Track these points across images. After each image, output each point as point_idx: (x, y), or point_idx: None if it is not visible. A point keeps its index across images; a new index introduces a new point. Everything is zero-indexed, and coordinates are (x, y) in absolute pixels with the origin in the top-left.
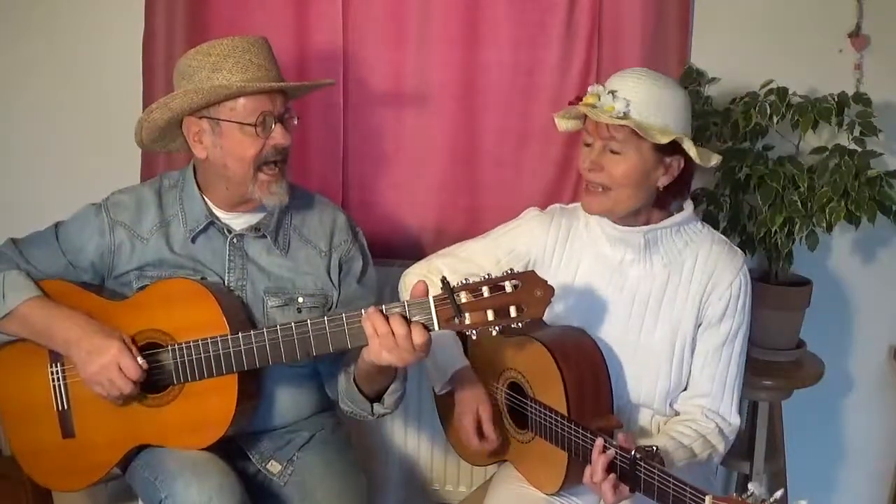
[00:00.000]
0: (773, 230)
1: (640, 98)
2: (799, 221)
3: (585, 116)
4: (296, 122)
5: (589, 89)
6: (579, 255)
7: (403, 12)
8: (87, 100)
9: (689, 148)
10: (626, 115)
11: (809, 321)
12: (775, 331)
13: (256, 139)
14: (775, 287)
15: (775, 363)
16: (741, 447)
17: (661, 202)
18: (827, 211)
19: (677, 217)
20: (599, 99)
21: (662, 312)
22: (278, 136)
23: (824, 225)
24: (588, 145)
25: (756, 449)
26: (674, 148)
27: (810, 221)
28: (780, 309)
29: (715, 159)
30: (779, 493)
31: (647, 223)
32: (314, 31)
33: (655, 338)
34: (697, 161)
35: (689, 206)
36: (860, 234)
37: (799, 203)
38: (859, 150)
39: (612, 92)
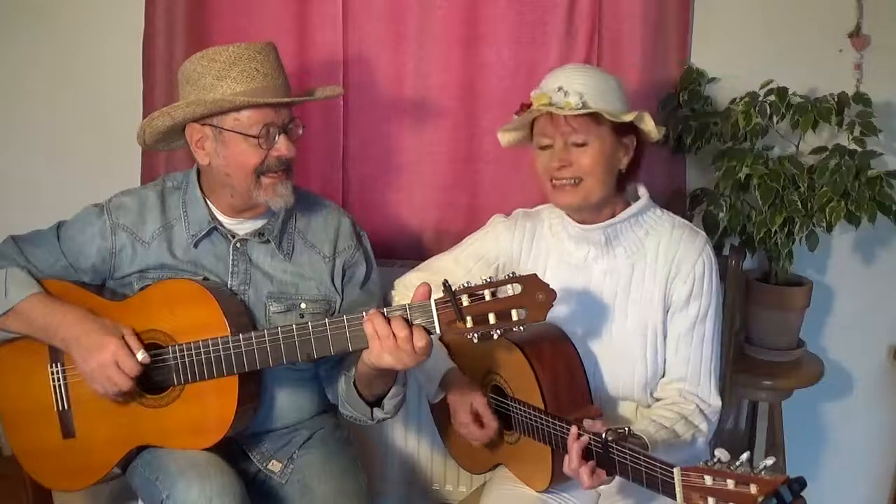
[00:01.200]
0: (773, 230)
1: (588, 89)
2: (799, 221)
3: (532, 125)
4: (301, 132)
5: (533, 94)
6: (545, 255)
7: (403, 12)
8: (87, 100)
9: (649, 122)
10: (585, 105)
11: (809, 321)
12: (775, 331)
13: (259, 150)
14: (775, 287)
15: (775, 363)
16: (741, 447)
17: (621, 186)
18: (827, 211)
19: (634, 207)
20: (551, 98)
21: (631, 303)
22: (282, 147)
23: (824, 225)
24: (546, 147)
25: (756, 449)
26: (627, 128)
27: (810, 221)
28: (780, 309)
29: (661, 131)
30: (744, 456)
31: (612, 215)
32: (314, 31)
33: (627, 329)
34: (654, 134)
35: (644, 193)
36: (860, 234)
37: (799, 203)
38: (859, 150)
39: (560, 88)
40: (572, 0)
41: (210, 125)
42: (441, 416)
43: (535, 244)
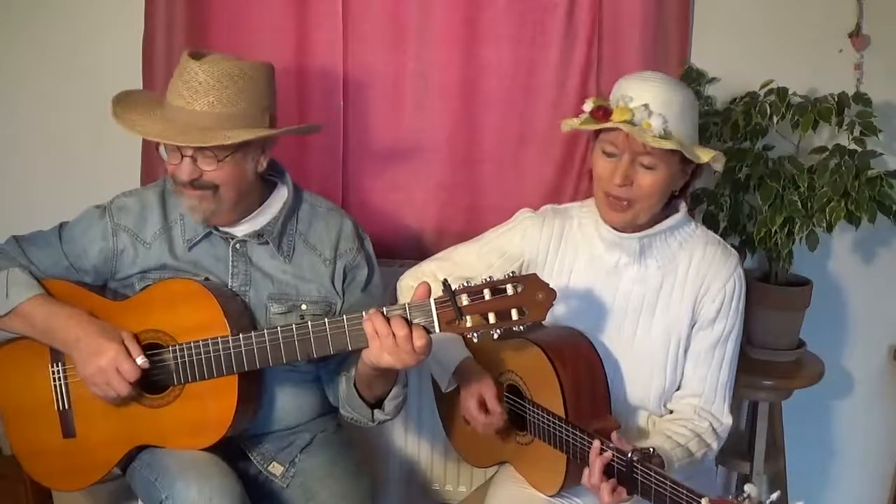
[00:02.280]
0: (773, 230)
1: (670, 110)
2: (799, 221)
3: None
4: (215, 165)
5: (615, 103)
6: (573, 256)
7: (403, 12)
8: (87, 99)
9: (721, 164)
10: (666, 133)
11: (809, 321)
12: (775, 331)
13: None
14: (775, 287)
15: (775, 363)
16: (741, 447)
17: (667, 204)
18: (827, 211)
19: (671, 220)
20: (634, 115)
21: (657, 314)
22: (179, 169)
23: (824, 225)
24: (611, 155)
25: (756, 449)
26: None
27: (810, 221)
28: (780, 309)
29: (722, 159)
30: (775, 496)
31: (650, 225)
32: (314, 31)
33: (650, 339)
34: (719, 168)
35: (682, 207)
36: (860, 234)
37: (799, 203)
38: (859, 150)
39: (646, 105)
40: (572, 0)
41: None
42: (445, 407)
43: (563, 244)
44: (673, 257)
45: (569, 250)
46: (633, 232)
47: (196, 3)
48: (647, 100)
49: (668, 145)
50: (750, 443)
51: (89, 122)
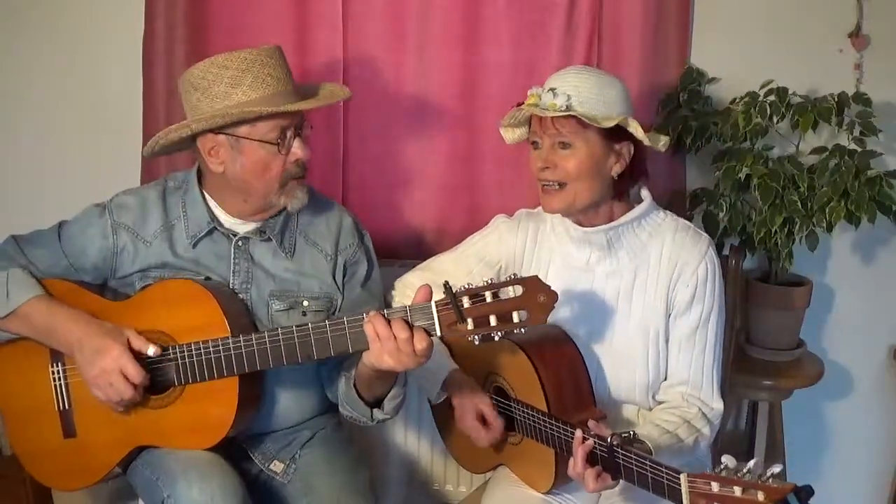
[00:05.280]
0: (773, 230)
1: (579, 91)
2: (799, 221)
3: (531, 121)
4: (310, 131)
5: (529, 91)
6: (548, 257)
7: (403, 12)
8: (87, 100)
9: (636, 128)
10: (569, 108)
11: (809, 321)
12: (775, 331)
13: (277, 156)
14: (775, 287)
15: (775, 363)
16: (741, 447)
17: (620, 192)
18: (827, 211)
19: (636, 210)
20: (540, 98)
21: (633, 306)
22: (298, 150)
23: (824, 225)
24: (536, 146)
25: (756, 449)
26: (621, 134)
27: (810, 221)
28: (780, 309)
29: (663, 140)
30: (751, 463)
31: (610, 219)
32: (314, 31)
33: (629, 332)
34: (645, 141)
35: (647, 196)
36: (860, 234)
37: (799, 203)
38: (859, 150)
39: (552, 90)
40: (572, 0)
41: (225, 134)
42: (441, 416)
43: (538, 245)
44: (643, 247)
45: (543, 251)
46: (597, 225)
47: (196, 3)
48: (555, 85)
49: (561, 114)
50: (750, 443)
51: (89, 122)
